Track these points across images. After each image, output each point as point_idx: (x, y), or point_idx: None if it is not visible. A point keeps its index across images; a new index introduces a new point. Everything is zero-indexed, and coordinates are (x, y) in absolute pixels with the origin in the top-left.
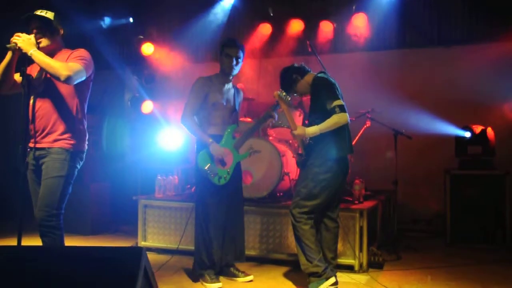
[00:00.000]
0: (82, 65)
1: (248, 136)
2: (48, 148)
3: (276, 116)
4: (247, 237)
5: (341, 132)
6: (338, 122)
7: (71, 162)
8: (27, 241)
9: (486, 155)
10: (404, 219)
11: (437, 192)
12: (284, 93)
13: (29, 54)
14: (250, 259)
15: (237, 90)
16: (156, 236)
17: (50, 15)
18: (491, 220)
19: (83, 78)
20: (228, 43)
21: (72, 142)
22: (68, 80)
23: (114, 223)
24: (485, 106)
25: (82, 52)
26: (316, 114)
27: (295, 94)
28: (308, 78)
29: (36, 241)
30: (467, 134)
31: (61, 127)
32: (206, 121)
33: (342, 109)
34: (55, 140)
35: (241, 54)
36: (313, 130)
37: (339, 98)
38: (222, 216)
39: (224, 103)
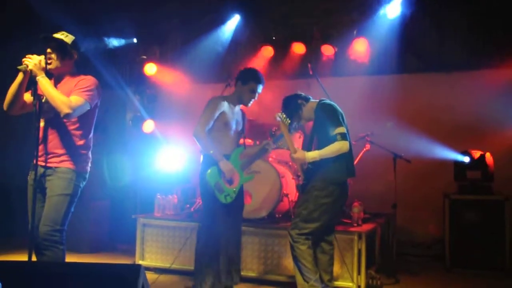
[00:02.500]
0: (85, 98)
1: (254, 160)
2: (55, 167)
3: (271, 149)
4: (245, 258)
5: (342, 156)
6: (339, 149)
7: (76, 182)
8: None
9: (485, 180)
10: (403, 243)
11: (436, 216)
12: (284, 116)
13: (36, 79)
14: (248, 280)
15: (243, 113)
16: (154, 255)
17: (69, 39)
18: (491, 245)
19: (87, 110)
20: (259, 79)
21: (76, 163)
22: (67, 116)
23: (113, 242)
24: (485, 132)
25: (88, 81)
26: (320, 139)
27: (300, 121)
28: (312, 103)
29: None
30: (466, 159)
31: (66, 150)
32: (217, 139)
33: (343, 137)
34: (62, 161)
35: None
36: (313, 155)
37: (342, 125)
38: (226, 235)
39: (234, 125)
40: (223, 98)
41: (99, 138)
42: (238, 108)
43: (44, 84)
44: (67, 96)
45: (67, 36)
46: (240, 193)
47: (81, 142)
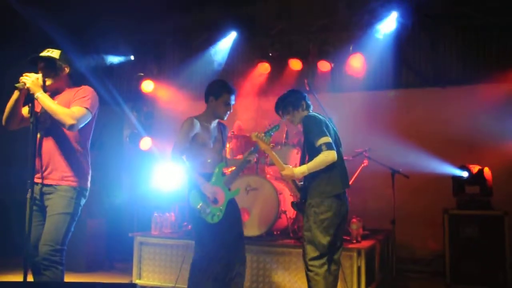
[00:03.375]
0: (86, 107)
1: (237, 174)
2: (56, 185)
3: (254, 159)
4: None
5: (334, 167)
6: (325, 160)
7: (77, 200)
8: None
9: (483, 195)
10: (403, 259)
11: (435, 232)
12: (262, 134)
13: (35, 96)
14: None
15: (223, 125)
16: (151, 274)
17: (56, 54)
18: (491, 261)
19: (89, 119)
20: (231, 90)
21: (78, 179)
22: (72, 128)
23: (109, 260)
24: (482, 146)
25: (86, 91)
26: (309, 153)
27: (285, 117)
28: (305, 113)
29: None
30: (464, 174)
31: (66, 164)
32: (196, 160)
33: (329, 146)
34: (62, 178)
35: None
36: (301, 170)
37: (326, 135)
38: (223, 254)
39: (212, 143)
40: (196, 118)
41: (95, 155)
42: (215, 123)
43: (44, 100)
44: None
45: (53, 51)
46: (232, 209)
47: (79, 154)
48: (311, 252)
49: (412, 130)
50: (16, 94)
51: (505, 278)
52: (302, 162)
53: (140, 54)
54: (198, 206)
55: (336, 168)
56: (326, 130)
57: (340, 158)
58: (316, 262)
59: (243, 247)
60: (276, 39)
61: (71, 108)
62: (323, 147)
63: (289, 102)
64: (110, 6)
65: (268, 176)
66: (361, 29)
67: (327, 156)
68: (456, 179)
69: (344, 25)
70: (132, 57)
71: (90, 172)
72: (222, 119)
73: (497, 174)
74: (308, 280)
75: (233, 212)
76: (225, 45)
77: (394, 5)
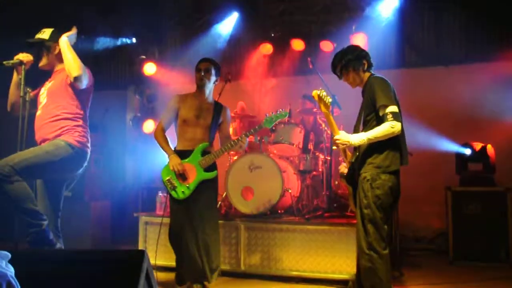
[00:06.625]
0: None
1: (216, 157)
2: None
3: (245, 145)
4: (249, 254)
5: (396, 141)
6: (391, 131)
7: (63, 150)
8: None
9: (486, 172)
10: (406, 238)
11: (438, 210)
12: (324, 93)
13: (62, 40)
14: (250, 276)
15: (219, 108)
16: (157, 253)
17: (46, 34)
18: (494, 237)
19: (85, 84)
20: (199, 60)
21: (72, 138)
22: (78, 79)
23: (114, 242)
24: (485, 124)
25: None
26: (366, 118)
27: (343, 78)
28: (368, 74)
29: None
30: (467, 151)
31: (61, 130)
32: (179, 136)
33: (396, 117)
34: (55, 137)
35: (210, 67)
36: (360, 137)
37: (394, 104)
38: (185, 233)
39: (196, 119)
40: (182, 95)
41: (99, 138)
42: (205, 102)
43: (66, 46)
44: (63, 83)
45: (44, 32)
46: (201, 190)
47: (75, 124)
48: (373, 232)
49: (415, 108)
50: (14, 76)
51: (508, 255)
52: (357, 130)
53: (141, 37)
54: (166, 179)
55: (398, 142)
56: (394, 98)
57: (402, 131)
58: (381, 244)
59: (213, 231)
60: (278, 20)
61: None
62: (389, 116)
63: (349, 61)
64: None
65: (271, 154)
66: (363, 8)
67: (393, 127)
68: (459, 156)
69: (346, 5)
70: (133, 40)
71: (88, 140)
72: (199, 85)
73: (500, 151)
74: (365, 265)
75: (203, 194)
76: (227, 26)
77: None
